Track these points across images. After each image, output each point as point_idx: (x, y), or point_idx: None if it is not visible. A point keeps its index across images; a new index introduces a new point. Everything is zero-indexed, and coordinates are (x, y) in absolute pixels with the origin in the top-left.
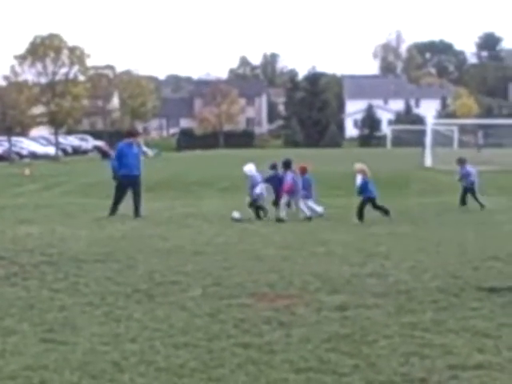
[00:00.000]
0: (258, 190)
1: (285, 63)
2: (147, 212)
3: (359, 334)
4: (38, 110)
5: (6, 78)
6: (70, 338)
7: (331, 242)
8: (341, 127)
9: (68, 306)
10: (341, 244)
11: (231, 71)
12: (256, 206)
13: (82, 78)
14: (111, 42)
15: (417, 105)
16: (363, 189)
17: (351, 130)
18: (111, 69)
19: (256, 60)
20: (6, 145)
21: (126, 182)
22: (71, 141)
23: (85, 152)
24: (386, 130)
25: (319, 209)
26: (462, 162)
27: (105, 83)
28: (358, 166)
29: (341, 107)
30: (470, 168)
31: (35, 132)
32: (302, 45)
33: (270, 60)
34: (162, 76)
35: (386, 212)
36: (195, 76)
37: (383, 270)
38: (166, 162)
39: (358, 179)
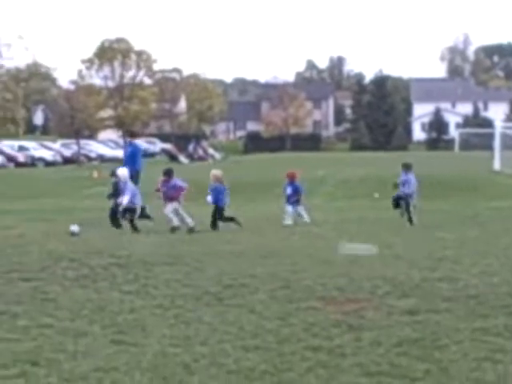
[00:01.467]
0: (120, 198)
1: (351, 66)
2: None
3: (430, 339)
4: (106, 113)
5: (74, 82)
6: (141, 339)
7: (397, 245)
8: (408, 130)
9: (138, 308)
10: (408, 248)
11: (298, 74)
12: (123, 213)
13: (148, 81)
14: (178, 45)
15: (485, 108)
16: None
17: (418, 134)
18: (178, 72)
19: (323, 63)
20: (74, 148)
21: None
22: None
23: (152, 155)
24: (453, 133)
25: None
26: None
27: (172, 86)
28: (213, 172)
29: (408, 110)
30: None
31: (103, 135)
32: (368, 48)
33: (337, 63)
34: (228, 79)
35: (232, 220)
36: (262, 79)
37: (453, 274)
38: (233, 165)
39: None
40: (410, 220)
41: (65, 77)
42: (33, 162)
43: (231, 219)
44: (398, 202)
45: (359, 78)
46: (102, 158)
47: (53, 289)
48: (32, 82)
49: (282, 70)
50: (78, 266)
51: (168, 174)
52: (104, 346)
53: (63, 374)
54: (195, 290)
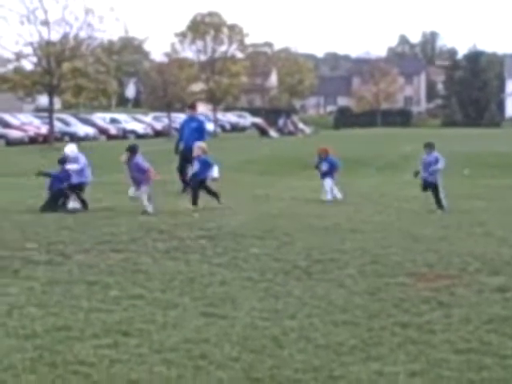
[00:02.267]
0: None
1: (444, 41)
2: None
3: None
4: (198, 86)
5: (166, 55)
6: (230, 312)
7: (489, 222)
8: (501, 107)
9: (228, 280)
10: (499, 225)
11: (390, 50)
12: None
13: (240, 55)
14: (270, 19)
15: None
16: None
17: None
18: (269, 46)
19: (415, 38)
20: (165, 121)
21: (183, 157)
22: (229, 118)
23: (243, 129)
24: None
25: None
26: None
27: (263, 60)
28: (200, 144)
29: (501, 87)
30: None
31: None
32: (462, 22)
33: (430, 38)
34: (320, 54)
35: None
36: (353, 54)
37: None
38: (323, 140)
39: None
40: (440, 205)
41: (157, 50)
42: (124, 135)
43: (215, 194)
44: (425, 187)
45: (452, 53)
46: None
47: (144, 260)
48: (124, 54)
49: (375, 44)
50: (168, 238)
51: (130, 150)
52: (194, 317)
53: (154, 345)
54: (284, 264)
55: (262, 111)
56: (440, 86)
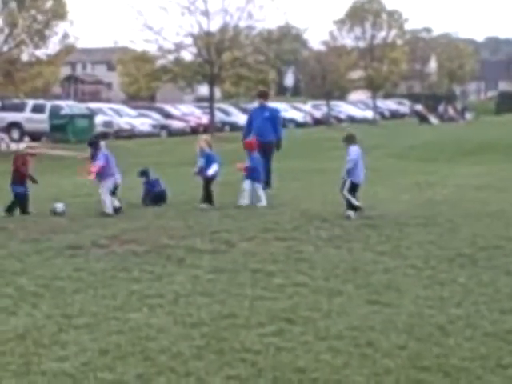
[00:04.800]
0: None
1: None
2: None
3: None
4: (356, 74)
5: (324, 43)
6: (395, 300)
7: None
8: None
9: (391, 268)
10: None
11: None
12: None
13: (399, 41)
14: (429, 4)
15: None
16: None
17: None
18: (428, 31)
19: None
20: (324, 109)
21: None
22: (389, 105)
23: (402, 116)
24: None
25: None
26: None
27: (422, 46)
28: (204, 136)
29: None
30: None
31: (353, 96)
32: None
33: None
34: (480, 38)
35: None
36: None
37: None
38: (485, 126)
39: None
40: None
41: (316, 38)
42: (284, 124)
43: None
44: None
45: None
46: (351, 119)
47: (306, 248)
48: (283, 43)
49: None
50: (331, 227)
51: (90, 144)
52: (358, 305)
53: (319, 333)
54: (449, 252)
55: (422, 97)
56: None
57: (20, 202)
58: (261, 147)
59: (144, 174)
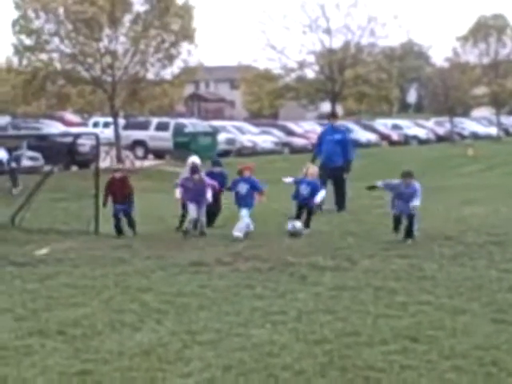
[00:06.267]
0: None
1: None
2: None
3: None
4: (480, 90)
5: (448, 59)
6: None
7: None
8: None
9: None
10: None
11: None
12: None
13: None
14: None
15: None
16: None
17: None
18: None
19: None
20: (447, 126)
21: (323, 172)
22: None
23: None
24: None
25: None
26: None
27: None
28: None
29: None
30: None
31: (476, 113)
32: None
33: None
34: None
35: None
36: None
37: None
38: None
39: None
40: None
41: (439, 55)
42: (406, 140)
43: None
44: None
45: None
46: (475, 136)
47: (429, 266)
48: (406, 60)
49: None
50: (454, 244)
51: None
52: (483, 324)
53: (443, 351)
54: None
55: None
56: None
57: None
58: (329, 170)
59: None
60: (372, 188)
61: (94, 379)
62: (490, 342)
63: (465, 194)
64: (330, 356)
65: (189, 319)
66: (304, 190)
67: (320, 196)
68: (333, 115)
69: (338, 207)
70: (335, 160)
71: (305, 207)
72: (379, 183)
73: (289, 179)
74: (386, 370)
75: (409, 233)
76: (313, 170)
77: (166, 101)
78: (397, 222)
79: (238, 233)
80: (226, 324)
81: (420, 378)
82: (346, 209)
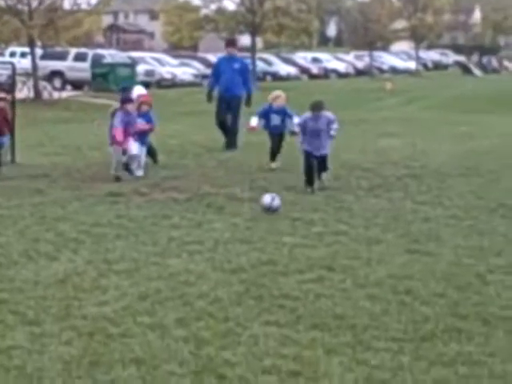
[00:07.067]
0: None
1: None
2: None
3: None
4: (400, 24)
5: None
6: (434, 249)
7: None
8: None
9: (431, 218)
10: None
11: None
12: None
13: None
14: None
15: None
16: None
17: None
18: None
19: None
20: (367, 60)
21: (221, 103)
22: (432, 56)
23: (445, 67)
24: None
25: None
26: None
27: None
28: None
29: None
30: None
31: (396, 47)
32: None
33: None
34: None
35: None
36: None
37: None
38: None
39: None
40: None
41: None
42: (326, 74)
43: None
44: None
45: None
46: (394, 70)
47: (346, 197)
48: None
49: None
50: (372, 176)
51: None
52: (398, 253)
53: (358, 280)
54: (489, 202)
55: (465, 49)
56: None
57: None
58: (227, 102)
59: None
60: (294, 134)
61: (10, 308)
62: (403, 271)
63: (383, 128)
64: (245, 285)
65: (105, 249)
66: (275, 119)
67: (296, 120)
68: (231, 43)
69: (226, 145)
70: (234, 89)
71: (277, 135)
72: (296, 128)
73: (255, 122)
74: (302, 298)
75: (323, 168)
76: (279, 96)
77: (81, 31)
78: (309, 170)
79: (140, 172)
80: (143, 253)
81: (335, 306)
82: (236, 147)
